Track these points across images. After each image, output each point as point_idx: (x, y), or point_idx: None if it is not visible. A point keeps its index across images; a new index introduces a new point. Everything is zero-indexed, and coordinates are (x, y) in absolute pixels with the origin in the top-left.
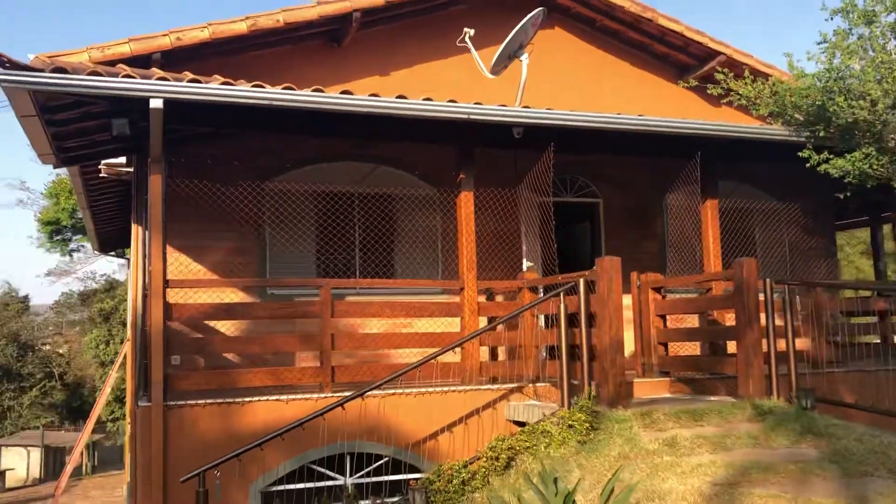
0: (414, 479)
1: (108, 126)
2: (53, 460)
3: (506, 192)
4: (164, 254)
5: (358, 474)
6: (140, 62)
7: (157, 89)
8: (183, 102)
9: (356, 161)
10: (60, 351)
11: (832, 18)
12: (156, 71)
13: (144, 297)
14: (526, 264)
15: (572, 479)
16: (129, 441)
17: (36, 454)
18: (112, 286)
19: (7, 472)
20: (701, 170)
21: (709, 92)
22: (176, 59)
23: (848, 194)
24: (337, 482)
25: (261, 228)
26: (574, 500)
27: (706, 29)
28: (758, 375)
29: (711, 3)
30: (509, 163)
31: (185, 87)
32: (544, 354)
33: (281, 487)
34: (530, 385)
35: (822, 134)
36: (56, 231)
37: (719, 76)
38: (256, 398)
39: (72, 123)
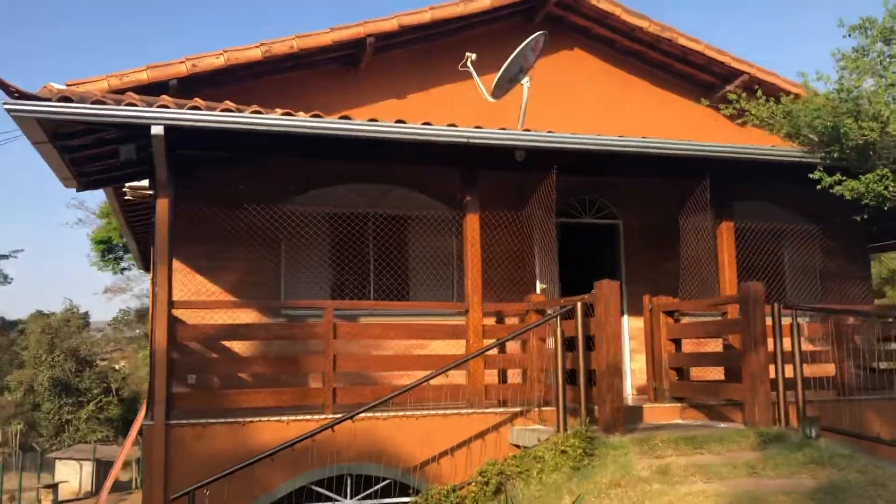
0: (405, 502)
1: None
2: (104, 474)
3: (521, 213)
4: (170, 276)
5: (359, 496)
6: (157, 89)
7: (157, 116)
8: (185, 129)
9: (372, 183)
10: (117, 367)
11: (850, 35)
12: (165, 98)
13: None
14: (539, 286)
15: None
16: None
17: (88, 467)
18: None
19: (60, 485)
20: (716, 191)
21: (723, 113)
22: (193, 86)
23: (865, 216)
24: None
25: (276, 250)
26: None
27: (746, 50)
28: (763, 402)
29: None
30: (522, 184)
31: (184, 114)
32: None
33: None
34: (536, 409)
35: (836, 155)
36: (108, 250)
37: (732, 96)
38: (258, 419)
39: (86, 149)
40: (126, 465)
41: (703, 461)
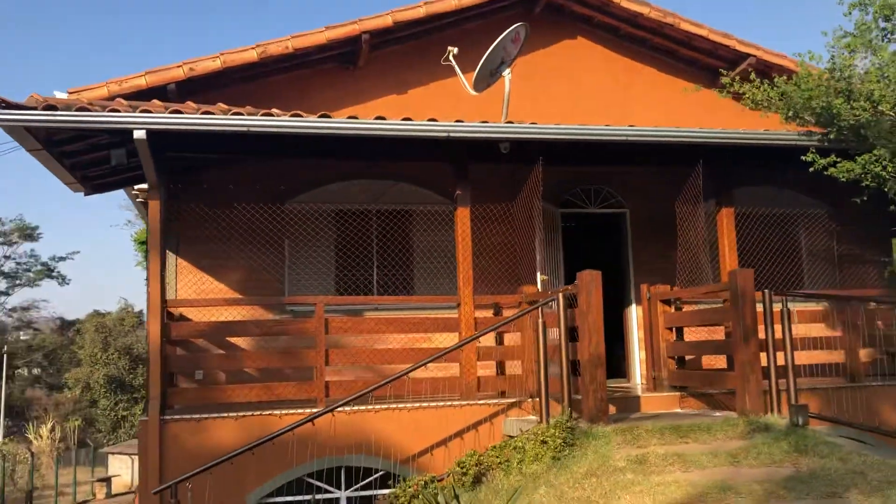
0: (383, 494)
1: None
2: None
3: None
4: (163, 275)
5: (353, 488)
6: (157, 93)
7: (138, 121)
8: (169, 132)
9: (373, 179)
10: None
11: (850, 14)
12: (155, 103)
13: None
14: (540, 277)
15: (537, 497)
16: None
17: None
18: None
19: (113, 479)
20: (713, 177)
21: (720, 96)
22: (192, 89)
23: (865, 199)
24: (333, 495)
25: (280, 247)
26: None
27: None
28: (754, 390)
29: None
30: (519, 177)
31: (165, 117)
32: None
33: (278, 499)
34: (529, 400)
35: (833, 136)
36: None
37: (725, 80)
38: (251, 413)
39: (82, 154)
40: None
41: (685, 450)
